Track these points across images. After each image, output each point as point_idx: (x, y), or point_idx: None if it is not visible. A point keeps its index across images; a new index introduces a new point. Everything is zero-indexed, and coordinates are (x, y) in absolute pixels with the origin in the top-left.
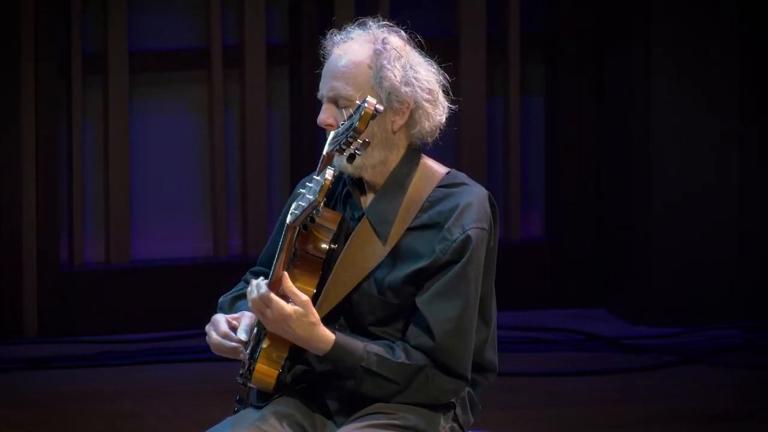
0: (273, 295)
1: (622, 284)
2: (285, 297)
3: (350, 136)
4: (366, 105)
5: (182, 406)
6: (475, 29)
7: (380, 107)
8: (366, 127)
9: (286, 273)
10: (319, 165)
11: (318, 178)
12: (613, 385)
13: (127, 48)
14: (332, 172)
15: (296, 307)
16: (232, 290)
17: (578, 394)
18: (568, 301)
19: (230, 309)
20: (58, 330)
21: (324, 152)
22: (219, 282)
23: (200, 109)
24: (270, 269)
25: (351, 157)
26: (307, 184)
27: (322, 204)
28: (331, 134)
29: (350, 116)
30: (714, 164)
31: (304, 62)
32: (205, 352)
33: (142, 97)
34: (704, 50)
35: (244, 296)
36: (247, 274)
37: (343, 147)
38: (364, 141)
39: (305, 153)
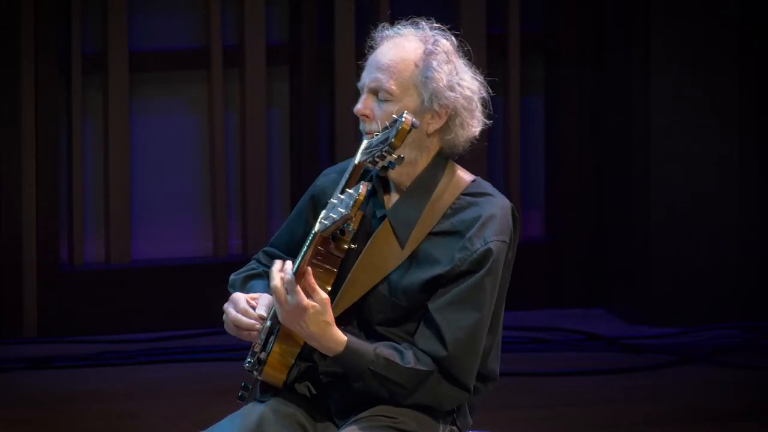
0: (297, 285)
1: (622, 284)
2: (305, 292)
3: (385, 150)
4: (403, 120)
5: (182, 406)
6: (475, 29)
7: (417, 122)
8: (402, 144)
9: (309, 269)
10: (347, 172)
11: (351, 191)
12: (613, 385)
13: (127, 48)
14: (366, 186)
15: (314, 303)
16: (243, 269)
17: (578, 394)
18: (568, 301)
19: (242, 287)
20: (58, 330)
21: (355, 161)
22: (219, 282)
23: (200, 109)
24: (283, 252)
25: (383, 169)
26: (339, 195)
27: (353, 219)
28: (364, 143)
29: (385, 129)
30: (714, 164)
31: (304, 62)
32: (204, 352)
33: (142, 97)
34: (704, 50)
35: (256, 276)
36: (260, 254)
37: (377, 160)
38: (399, 156)
39: (305, 153)
